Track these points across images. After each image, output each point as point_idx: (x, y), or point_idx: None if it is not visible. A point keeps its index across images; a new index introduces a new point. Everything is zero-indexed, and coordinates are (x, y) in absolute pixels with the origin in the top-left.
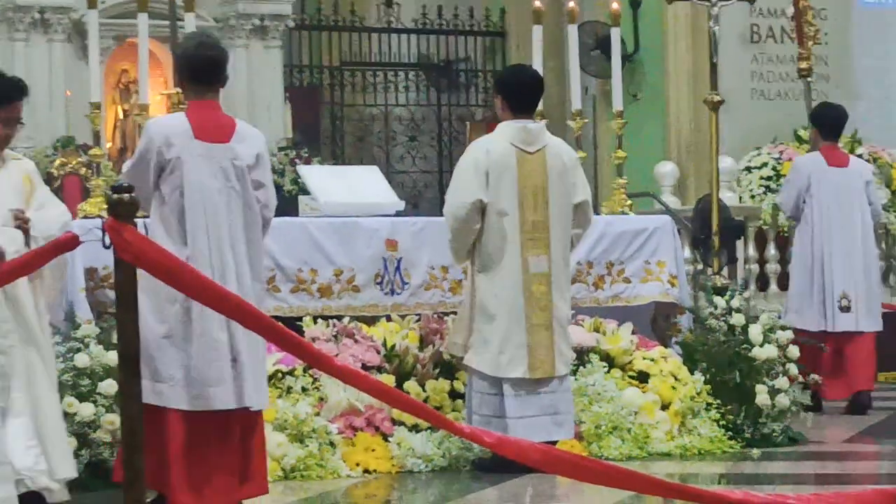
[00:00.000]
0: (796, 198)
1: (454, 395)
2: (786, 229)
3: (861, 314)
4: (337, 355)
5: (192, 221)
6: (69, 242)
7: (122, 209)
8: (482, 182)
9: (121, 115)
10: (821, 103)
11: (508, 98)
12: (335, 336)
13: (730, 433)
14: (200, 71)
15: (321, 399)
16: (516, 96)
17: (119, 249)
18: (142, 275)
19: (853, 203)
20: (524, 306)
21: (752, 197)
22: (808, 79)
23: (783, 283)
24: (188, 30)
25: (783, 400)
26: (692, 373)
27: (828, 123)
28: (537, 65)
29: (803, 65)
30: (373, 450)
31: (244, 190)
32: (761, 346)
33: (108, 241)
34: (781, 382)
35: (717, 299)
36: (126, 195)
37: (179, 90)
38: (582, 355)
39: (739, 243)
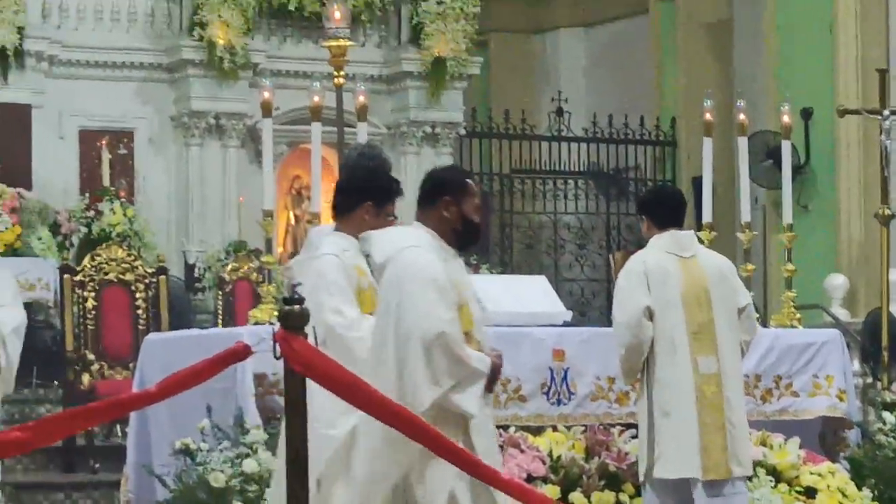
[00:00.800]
0: None
1: None
2: None
3: None
4: (502, 465)
5: None
6: (240, 352)
7: (293, 320)
8: (644, 289)
9: (293, 221)
10: None
11: (653, 216)
12: (501, 446)
13: None
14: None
15: None
16: (660, 213)
17: (289, 360)
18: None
19: None
20: (696, 407)
21: None
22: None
23: None
24: (360, 138)
25: None
26: (860, 489)
27: None
28: (707, 175)
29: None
30: None
31: None
32: None
33: (278, 351)
34: None
35: (887, 415)
36: (296, 306)
37: None
38: None
39: None
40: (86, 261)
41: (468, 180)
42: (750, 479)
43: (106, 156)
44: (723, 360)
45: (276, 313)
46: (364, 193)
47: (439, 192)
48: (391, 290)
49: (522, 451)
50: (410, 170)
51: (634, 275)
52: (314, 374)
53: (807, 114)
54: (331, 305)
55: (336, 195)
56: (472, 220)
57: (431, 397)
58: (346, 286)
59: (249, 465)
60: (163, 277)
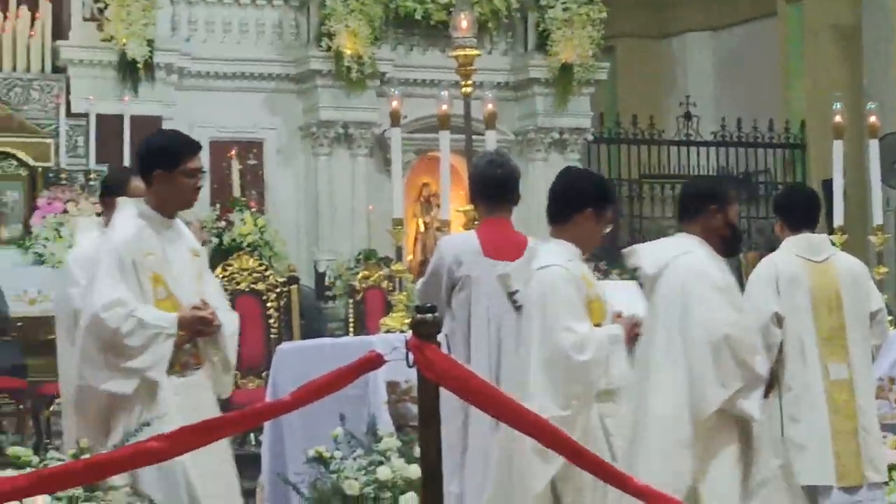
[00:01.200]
0: None
1: None
2: None
3: None
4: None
5: (477, 338)
6: (374, 361)
7: (425, 328)
8: (773, 295)
9: (422, 228)
10: None
11: (786, 218)
12: None
13: None
14: (490, 189)
15: None
16: (793, 215)
17: (422, 368)
18: None
19: None
20: (828, 413)
21: None
22: None
23: None
24: (488, 146)
25: None
26: None
27: None
28: (837, 178)
29: None
30: None
31: None
32: None
33: (411, 359)
34: None
35: None
36: (429, 315)
37: (473, 208)
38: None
39: None
40: (217, 271)
41: (729, 187)
42: (886, 483)
43: (236, 166)
44: (854, 367)
45: (407, 321)
46: (585, 200)
47: (704, 202)
48: (673, 297)
49: None
50: (538, 177)
51: (764, 279)
52: (447, 383)
53: None
54: (563, 323)
55: (553, 202)
56: (738, 227)
57: (719, 399)
58: (577, 299)
59: (383, 473)
60: (294, 287)
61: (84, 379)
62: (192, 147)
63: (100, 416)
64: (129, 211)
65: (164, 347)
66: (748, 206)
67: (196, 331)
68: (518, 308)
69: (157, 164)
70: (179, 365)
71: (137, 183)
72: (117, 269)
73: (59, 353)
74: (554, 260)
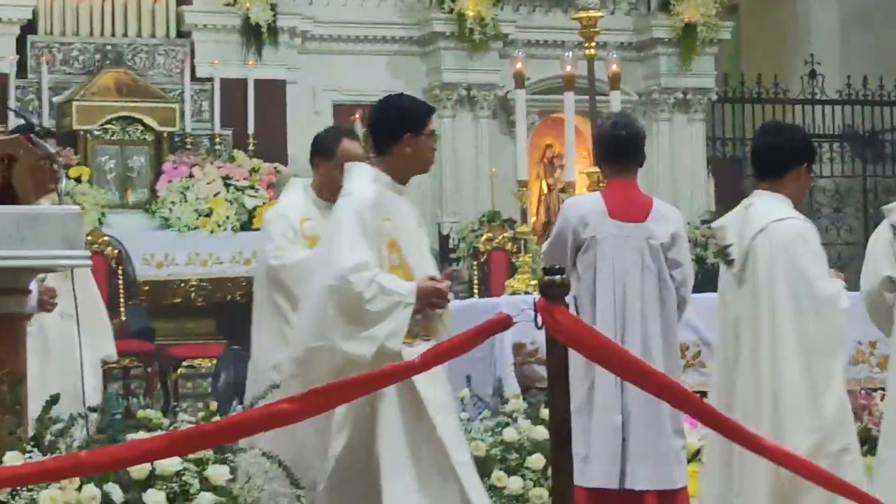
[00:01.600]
0: None
1: None
2: None
3: None
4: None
5: (603, 300)
6: (502, 322)
7: (554, 290)
8: (888, 259)
9: (545, 190)
10: None
11: None
12: None
13: None
14: (615, 151)
15: None
16: None
17: (551, 330)
18: None
19: None
20: None
21: None
22: None
23: None
24: (613, 106)
25: None
26: None
27: None
28: None
29: None
30: None
31: (659, 269)
32: None
33: (539, 321)
34: None
35: None
36: (557, 276)
37: (598, 169)
38: None
39: None
40: None
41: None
42: None
43: (360, 130)
44: None
45: (533, 283)
46: (800, 156)
47: None
48: None
49: None
50: (663, 137)
51: (881, 243)
52: (576, 344)
53: None
54: (819, 273)
55: (766, 158)
56: None
57: None
58: (822, 252)
59: (510, 434)
60: None
61: (321, 340)
62: (431, 109)
63: (328, 379)
64: (364, 174)
65: (403, 316)
66: (874, 164)
67: (430, 302)
68: (729, 262)
69: (407, 127)
70: (411, 336)
71: (348, 145)
72: (361, 232)
73: (255, 308)
74: (789, 213)
